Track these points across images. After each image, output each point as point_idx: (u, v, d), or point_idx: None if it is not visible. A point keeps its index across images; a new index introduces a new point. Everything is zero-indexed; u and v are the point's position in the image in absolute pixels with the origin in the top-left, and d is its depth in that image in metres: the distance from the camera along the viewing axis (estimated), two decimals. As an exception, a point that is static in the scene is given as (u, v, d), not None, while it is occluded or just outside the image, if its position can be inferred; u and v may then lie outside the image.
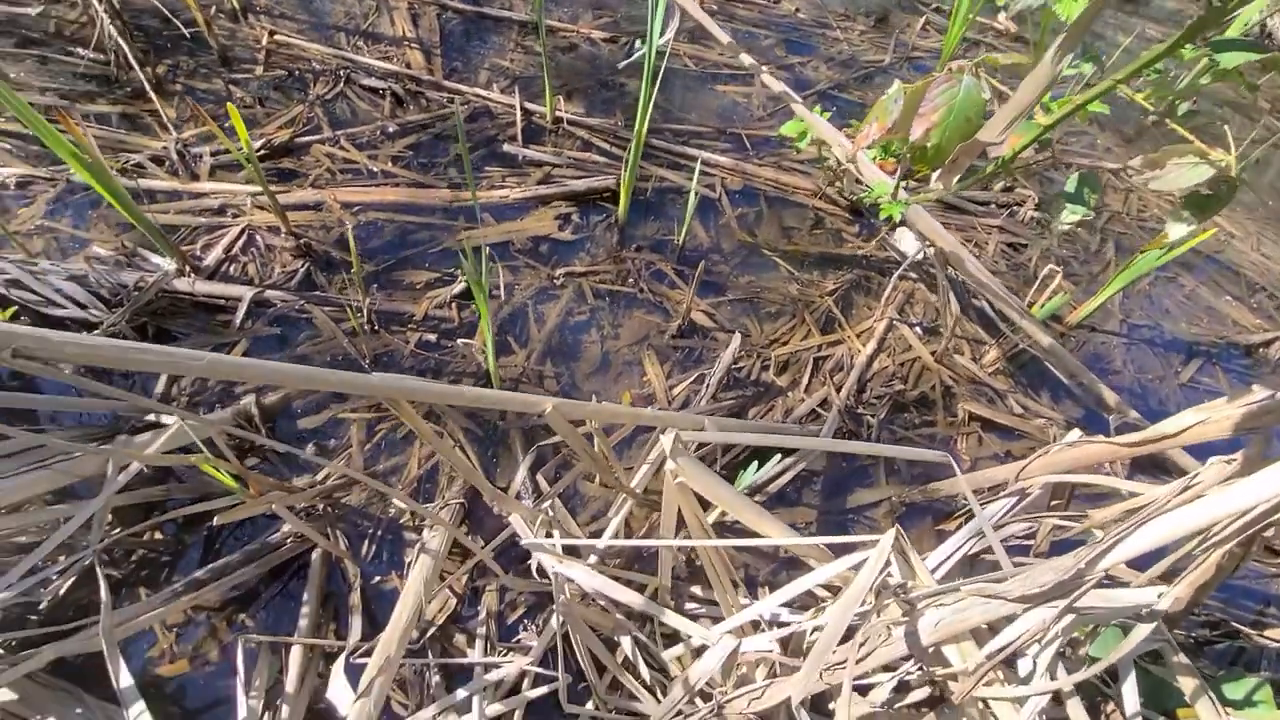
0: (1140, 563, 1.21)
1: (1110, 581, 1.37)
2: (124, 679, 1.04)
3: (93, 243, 1.80)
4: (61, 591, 1.32)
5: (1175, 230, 1.00)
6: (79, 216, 1.86)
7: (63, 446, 1.07)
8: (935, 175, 1.13)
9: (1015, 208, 2.44)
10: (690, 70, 2.61)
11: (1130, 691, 1.09)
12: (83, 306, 1.59)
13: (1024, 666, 1.08)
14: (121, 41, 2.05)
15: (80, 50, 2.17)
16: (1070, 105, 1.07)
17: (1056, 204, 1.29)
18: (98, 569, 1.14)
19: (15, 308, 1.56)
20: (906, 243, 2.18)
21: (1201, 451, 1.73)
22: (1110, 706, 1.28)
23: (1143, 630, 0.91)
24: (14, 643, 1.22)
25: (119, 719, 1.11)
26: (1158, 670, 1.27)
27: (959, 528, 1.44)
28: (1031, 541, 1.54)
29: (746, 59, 2.04)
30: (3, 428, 0.86)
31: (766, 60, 2.69)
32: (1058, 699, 1.14)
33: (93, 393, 1.28)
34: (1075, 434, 1.42)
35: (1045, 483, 1.38)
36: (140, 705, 1.04)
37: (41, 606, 1.30)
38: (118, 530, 1.37)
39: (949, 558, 1.33)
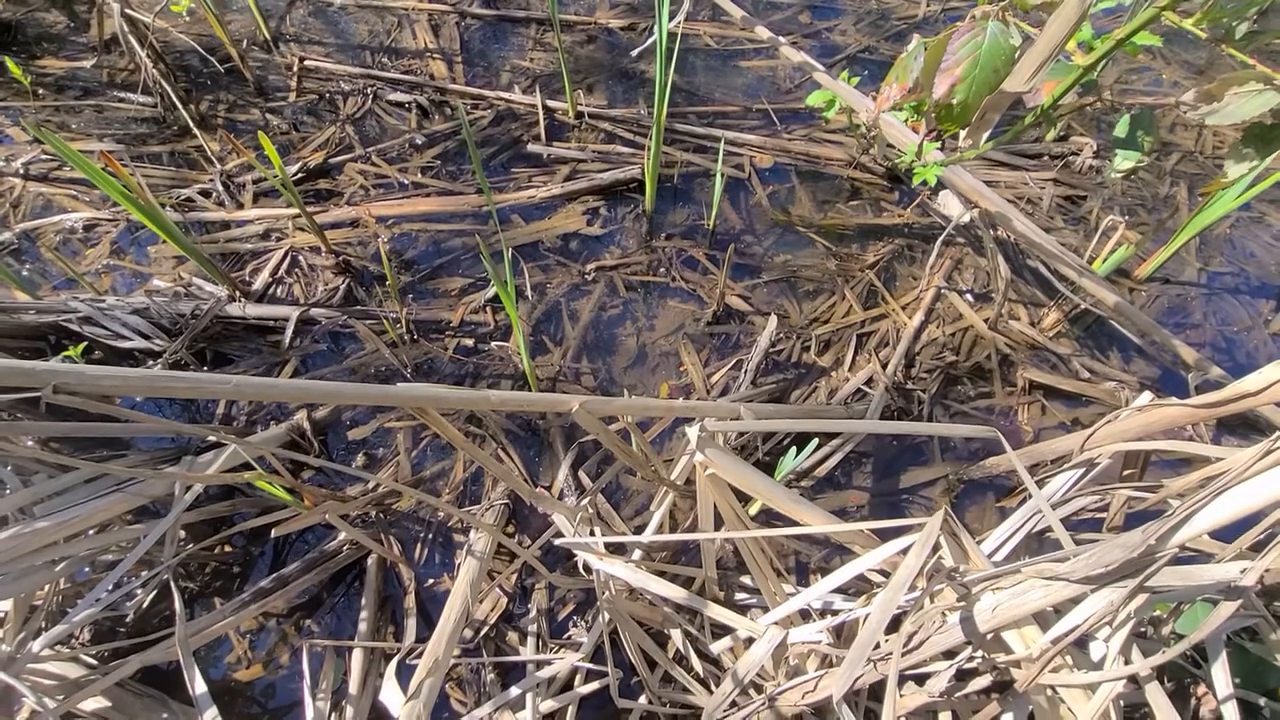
0: (1228, 533, 1.11)
1: (1195, 553, 1.26)
2: (199, 686, 1.11)
3: (153, 277, 1.91)
4: (145, 604, 1.42)
5: (1235, 169, 0.90)
6: (139, 253, 1.98)
7: (125, 473, 1.14)
8: (964, 134, 1.06)
9: (1071, 157, 2.27)
10: (712, 49, 2.54)
11: (1221, 672, 1.01)
12: (146, 337, 1.70)
13: (1096, 650, 1.00)
14: (165, 84, 2.16)
15: (130, 95, 2.30)
16: (1110, 41, 0.98)
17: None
18: (172, 583, 1.22)
19: (86, 343, 1.67)
20: (950, 206, 2.06)
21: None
22: (1201, 689, 1.18)
23: (1228, 608, 0.83)
24: (105, 653, 1.32)
25: (199, 723, 1.18)
26: (1254, 647, 1.16)
27: (1021, 504, 1.36)
28: (1104, 515, 1.44)
29: (764, 32, 1.97)
30: (69, 460, 0.92)
31: (791, 29, 2.59)
32: (1135, 683, 1.06)
33: (129, 421, 1.37)
34: (1146, 397, 1.32)
35: (1114, 451, 1.28)
36: (213, 711, 1.11)
37: (128, 619, 1.40)
38: (190, 545, 1.45)
39: (1009, 537, 1.26)
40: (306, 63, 2.42)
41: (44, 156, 2.15)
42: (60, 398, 0.70)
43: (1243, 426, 1.72)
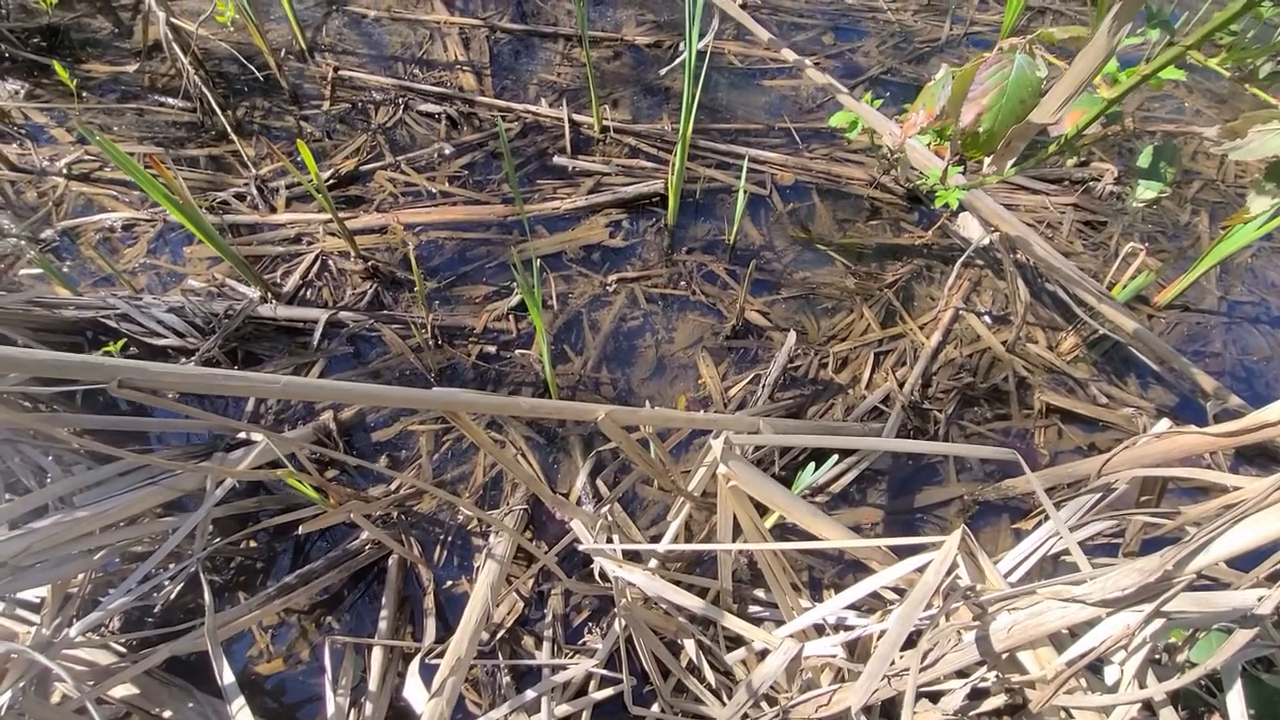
0: (1245, 563, 1.12)
1: (1212, 581, 1.26)
2: (227, 676, 1.14)
3: (188, 276, 1.97)
4: (173, 595, 1.45)
5: (1258, 204, 0.91)
6: (175, 253, 2.04)
7: (164, 465, 1.18)
8: (988, 161, 1.08)
9: (1092, 183, 2.28)
10: (736, 68, 2.59)
11: (1236, 701, 1.01)
12: (181, 335, 1.75)
13: (1111, 674, 1.01)
14: (205, 90, 2.23)
15: (170, 100, 2.38)
16: (1136, 76, 1.00)
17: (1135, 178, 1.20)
18: (201, 576, 1.25)
19: (124, 339, 1.72)
20: (970, 228, 2.08)
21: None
22: (1215, 717, 1.18)
23: (1243, 636, 0.83)
24: (134, 642, 1.35)
25: (224, 713, 1.21)
26: (1270, 679, 1.16)
27: (1037, 527, 1.37)
28: (1120, 540, 1.45)
29: (790, 54, 2.01)
30: (113, 450, 0.95)
31: (814, 50, 2.63)
32: (1150, 709, 1.06)
33: (185, 415, 1.40)
34: (1164, 424, 1.33)
35: (1132, 477, 1.29)
36: (240, 701, 1.14)
37: (156, 609, 1.44)
38: (218, 539, 1.49)
39: (1025, 559, 1.27)
40: (340, 72, 2.49)
41: (86, 157, 2.22)
42: (123, 391, 0.74)
43: (1261, 456, 1.72)
